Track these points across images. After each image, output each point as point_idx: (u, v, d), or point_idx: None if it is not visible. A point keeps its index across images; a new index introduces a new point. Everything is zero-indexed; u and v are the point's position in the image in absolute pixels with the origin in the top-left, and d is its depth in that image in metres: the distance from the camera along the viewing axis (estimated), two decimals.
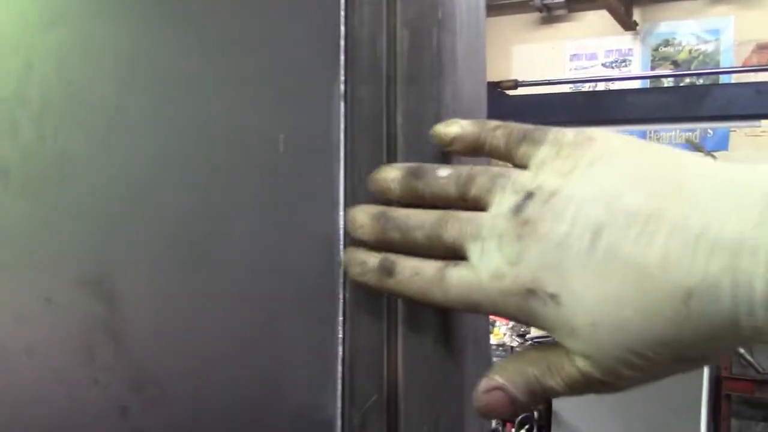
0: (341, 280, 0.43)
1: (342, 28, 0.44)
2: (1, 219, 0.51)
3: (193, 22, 0.48)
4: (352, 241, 0.42)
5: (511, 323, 4.62)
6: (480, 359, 0.46)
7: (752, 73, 4.07)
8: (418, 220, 0.39)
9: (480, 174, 0.38)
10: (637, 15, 4.97)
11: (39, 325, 0.50)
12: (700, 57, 4.84)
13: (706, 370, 3.81)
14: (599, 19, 4.93)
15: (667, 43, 4.96)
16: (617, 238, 0.33)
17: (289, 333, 0.44)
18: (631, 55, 5.04)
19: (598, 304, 0.33)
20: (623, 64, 5.05)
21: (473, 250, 0.37)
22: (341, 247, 0.43)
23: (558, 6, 5.11)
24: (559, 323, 0.35)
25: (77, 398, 0.49)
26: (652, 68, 4.94)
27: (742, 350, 4.04)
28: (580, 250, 0.34)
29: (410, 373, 0.42)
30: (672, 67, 4.91)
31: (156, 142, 0.49)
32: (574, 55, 5.16)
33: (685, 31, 4.89)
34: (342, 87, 0.44)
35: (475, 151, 0.40)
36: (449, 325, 0.43)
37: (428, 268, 0.38)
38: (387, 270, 0.39)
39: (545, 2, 5.06)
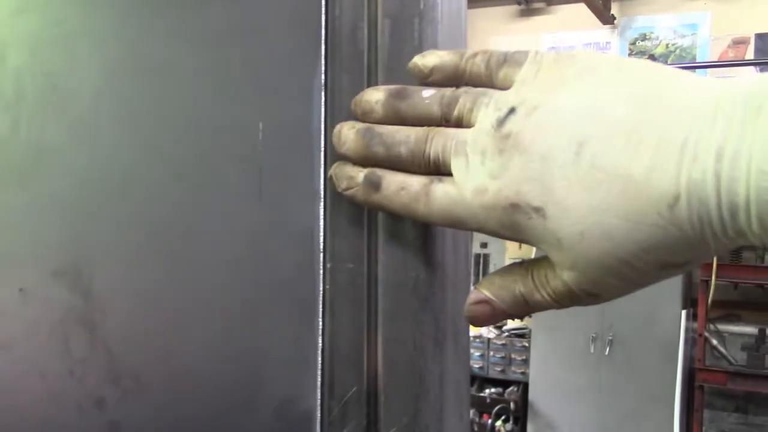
0: (321, 272, 0.43)
1: (323, 17, 0.44)
2: None
3: (172, 10, 0.47)
4: (339, 157, 0.42)
5: None
6: (459, 351, 0.46)
7: (728, 68, 4.11)
8: (403, 135, 0.39)
9: (463, 93, 0.38)
10: (615, 8, 4.99)
11: (13, 316, 0.50)
12: (677, 51, 4.88)
13: (680, 362, 3.86)
14: (577, 12, 4.95)
15: (644, 36, 5.00)
16: (602, 149, 0.33)
17: (269, 324, 0.44)
18: (609, 49, 5.07)
19: (584, 215, 0.34)
20: None
21: (457, 166, 0.37)
22: (321, 238, 0.43)
23: None
24: (545, 236, 0.35)
25: (53, 390, 0.48)
26: None
27: (715, 342, 4.09)
28: (564, 162, 0.34)
29: (390, 365, 0.42)
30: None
31: (133, 132, 0.48)
32: (553, 47, 5.18)
33: (663, 25, 4.93)
34: (323, 77, 0.44)
35: (455, 79, 0.40)
36: (430, 318, 0.42)
37: (414, 183, 0.39)
38: (374, 184, 0.39)
39: None
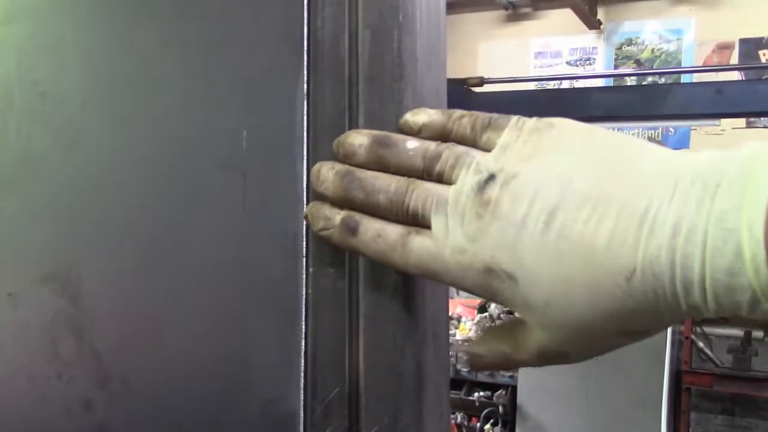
0: (304, 276, 0.44)
1: (305, 29, 0.45)
2: None
3: (158, 20, 0.48)
4: (316, 196, 0.42)
5: (477, 319, 4.65)
6: (438, 352, 0.47)
7: (712, 73, 4.14)
8: (383, 183, 0.40)
9: (446, 150, 0.39)
10: (601, 14, 5.02)
11: (1, 320, 0.50)
12: (663, 56, 4.91)
13: (667, 365, 3.87)
14: (564, 17, 4.97)
15: (630, 42, 5.03)
16: (569, 220, 0.35)
17: (253, 327, 0.45)
18: (595, 54, 5.09)
19: (550, 283, 0.35)
20: (587, 62, 5.11)
21: (436, 224, 0.38)
22: (304, 242, 0.44)
23: (523, 4, 5.14)
24: (517, 300, 0.37)
25: (41, 393, 0.49)
26: (616, 67, 5.00)
27: (701, 345, 4.11)
28: (535, 231, 0.35)
29: (371, 367, 0.43)
30: (635, 65, 4.98)
31: (119, 139, 0.49)
32: (539, 52, 5.21)
33: (648, 31, 4.96)
34: (305, 87, 0.45)
35: (441, 137, 0.41)
36: (410, 321, 0.44)
37: (391, 232, 0.39)
38: (351, 228, 0.40)
39: (510, 0, 5.09)
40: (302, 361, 0.44)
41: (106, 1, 0.50)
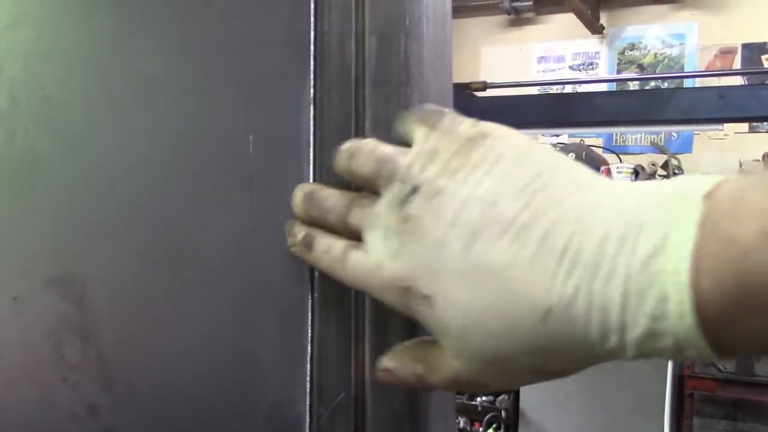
0: (310, 280, 0.44)
1: (312, 33, 0.45)
2: None
3: (165, 23, 0.49)
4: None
5: None
6: None
7: (715, 78, 4.15)
8: (332, 202, 0.41)
9: (367, 157, 0.39)
10: (603, 19, 5.02)
11: (6, 324, 0.50)
12: (665, 61, 4.91)
13: (669, 370, 3.87)
14: (566, 22, 4.97)
15: (633, 46, 5.03)
16: (489, 246, 0.33)
17: (259, 331, 0.45)
18: (598, 58, 5.09)
19: (467, 310, 0.33)
20: (590, 66, 5.11)
21: (367, 238, 0.38)
22: None
23: (526, 9, 5.14)
24: (433, 323, 0.36)
25: (46, 397, 0.49)
26: (619, 71, 5.00)
27: None
28: (454, 254, 0.34)
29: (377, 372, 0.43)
30: (638, 70, 4.97)
31: (126, 143, 0.49)
32: (542, 57, 5.21)
33: (651, 36, 4.96)
34: (312, 91, 0.45)
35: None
36: (415, 324, 0.43)
37: (336, 247, 0.40)
38: (307, 244, 0.42)
39: (513, 5, 5.09)
40: (308, 365, 0.44)
41: (112, 5, 0.50)
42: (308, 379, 0.44)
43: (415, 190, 0.36)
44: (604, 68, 5.07)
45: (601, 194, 0.33)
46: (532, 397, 4.29)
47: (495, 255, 0.33)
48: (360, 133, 0.44)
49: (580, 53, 5.13)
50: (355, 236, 0.39)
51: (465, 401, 4.32)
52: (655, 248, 0.29)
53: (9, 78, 0.52)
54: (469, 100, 3.06)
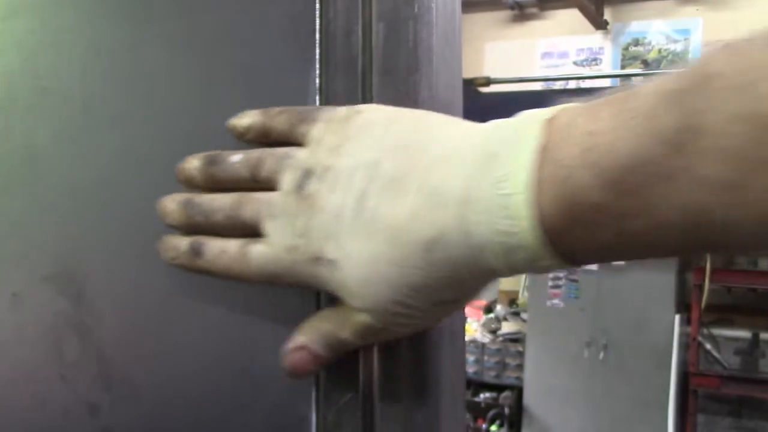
0: None
1: (317, 22, 0.44)
2: None
3: (165, 14, 0.47)
4: (167, 230, 0.44)
5: (483, 320, 4.65)
6: (455, 354, 0.46)
7: None
8: (219, 203, 0.42)
9: (268, 156, 0.41)
10: (608, 14, 5.01)
11: (4, 320, 0.49)
12: (670, 56, 4.90)
13: (673, 367, 3.87)
14: (570, 17, 4.97)
15: (637, 42, 5.02)
16: (377, 203, 0.37)
17: (262, 330, 0.44)
18: (602, 54, 5.09)
19: (365, 264, 0.37)
20: (594, 62, 5.10)
21: (270, 228, 0.40)
22: None
23: (530, 4, 5.14)
24: (340, 285, 0.38)
25: (45, 396, 0.48)
26: (623, 67, 4.99)
27: (708, 347, 4.10)
28: (349, 217, 0.37)
29: (385, 371, 0.42)
30: (642, 66, 4.96)
31: (126, 137, 0.48)
32: (546, 53, 5.20)
33: (655, 31, 4.95)
34: (317, 80, 0.44)
35: (266, 137, 0.42)
36: None
37: (232, 246, 0.41)
38: (196, 251, 0.42)
39: (517, 0, 5.09)
40: None
41: None
42: (314, 379, 0.43)
43: (308, 173, 0.39)
44: (608, 64, 5.06)
45: (463, 137, 0.37)
46: (535, 393, 4.29)
47: (383, 208, 0.37)
48: None
49: (584, 49, 5.12)
50: (247, 233, 0.41)
51: (468, 398, 4.32)
52: (506, 173, 0.34)
53: (5, 70, 0.50)
54: (473, 96, 3.05)
